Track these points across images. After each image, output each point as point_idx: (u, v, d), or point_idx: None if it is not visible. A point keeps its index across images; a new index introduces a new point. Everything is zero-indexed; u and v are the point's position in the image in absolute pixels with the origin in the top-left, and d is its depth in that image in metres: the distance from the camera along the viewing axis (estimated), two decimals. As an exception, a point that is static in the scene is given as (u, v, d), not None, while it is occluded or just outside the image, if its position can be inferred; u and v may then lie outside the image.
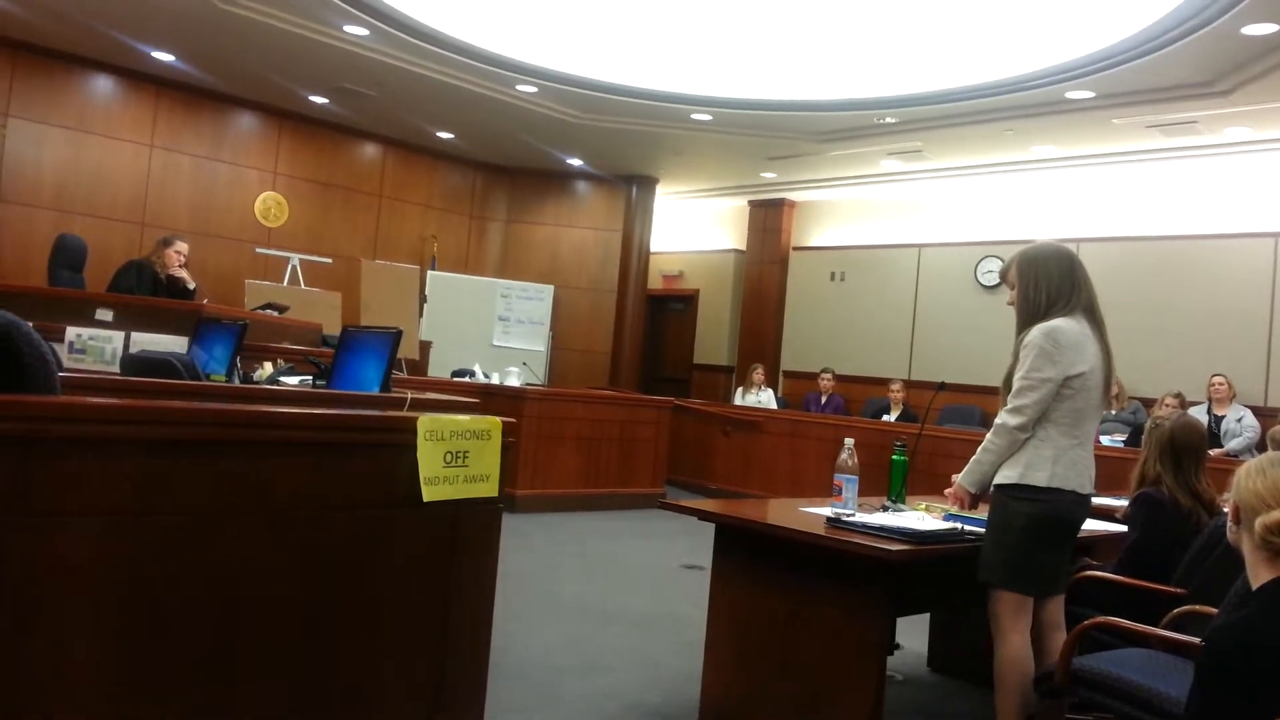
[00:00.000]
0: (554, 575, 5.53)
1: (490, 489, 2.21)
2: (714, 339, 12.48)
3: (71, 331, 4.51)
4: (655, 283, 12.57)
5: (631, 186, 11.76)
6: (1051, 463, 2.84)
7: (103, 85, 8.98)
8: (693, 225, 12.93)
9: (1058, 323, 2.89)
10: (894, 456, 3.56)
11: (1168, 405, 7.15)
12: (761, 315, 11.75)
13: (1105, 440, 7.14)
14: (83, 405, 1.75)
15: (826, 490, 3.38)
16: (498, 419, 2.24)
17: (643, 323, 12.04)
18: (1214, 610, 2.52)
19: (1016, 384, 2.89)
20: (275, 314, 6.53)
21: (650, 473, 8.51)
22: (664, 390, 10.83)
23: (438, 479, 2.09)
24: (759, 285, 11.81)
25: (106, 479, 1.69)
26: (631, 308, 11.76)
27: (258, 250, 9.55)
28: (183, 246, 6.42)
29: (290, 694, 1.95)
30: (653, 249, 12.05)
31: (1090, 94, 7.33)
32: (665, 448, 8.69)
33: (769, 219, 11.81)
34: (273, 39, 7.66)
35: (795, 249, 11.69)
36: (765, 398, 10.09)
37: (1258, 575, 1.87)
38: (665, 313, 13.08)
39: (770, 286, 11.69)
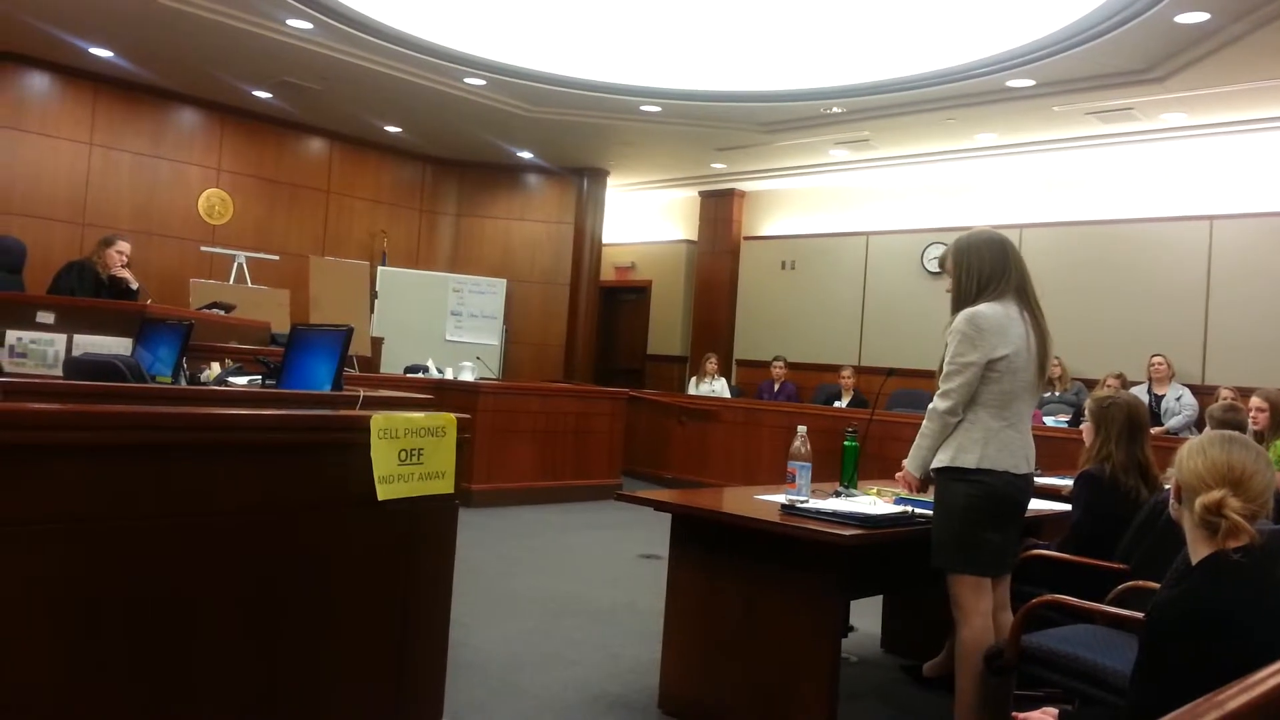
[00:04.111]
0: (512, 569, 5.52)
1: (446, 485, 2.22)
2: (667, 329, 12.52)
3: (12, 335, 4.41)
4: (608, 274, 12.56)
5: (582, 179, 11.73)
6: (981, 445, 2.90)
7: (38, 82, 8.75)
8: (644, 217, 12.94)
9: (980, 308, 2.96)
10: (845, 443, 3.61)
11: (1109, 385, 7.33)
12: (714, 305, 11.80)
13: (1049, 421, 7.30)
14: (26, 411, 1.72)
15: (781, 477, 3.42)
16: (452, 415, 2.24)
17: (596, 315, 12.03)
18: (1156, 585, 2.59)
19: (944, 369, 2.97)
20: (222, 313, 6.42)
21: (606, 464, 8.53)
22: (618, 381, 10.84)
23: (392, 477, 2.09)
24: (711, 275, 11.87)
25: (53, 486, 1.67)
26: (585, 300, 11.74)
27: (202, 249, 9.37)
28: (125, 246, 6.29)
29: (250, 694, 1.94)
30: (605, 241, 12.04)
31: (1030, 82, 7.46)
32: (621, 439, 8.71)
33: (719, 209, 11.86)
34: (214, 33, 7.52)
35: (746, 239, 11.75)
36: (719, 387, 10.14)
37: (1197, 551, 1.93)
38: (618, 304, 13.08)
39: (722, 276, 11.75)
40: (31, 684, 1.65)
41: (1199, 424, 7.11)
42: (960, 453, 2.91)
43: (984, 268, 3.01)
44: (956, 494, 2.90)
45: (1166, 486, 2.27)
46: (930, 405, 3.00)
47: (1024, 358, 2.96)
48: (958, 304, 3.05)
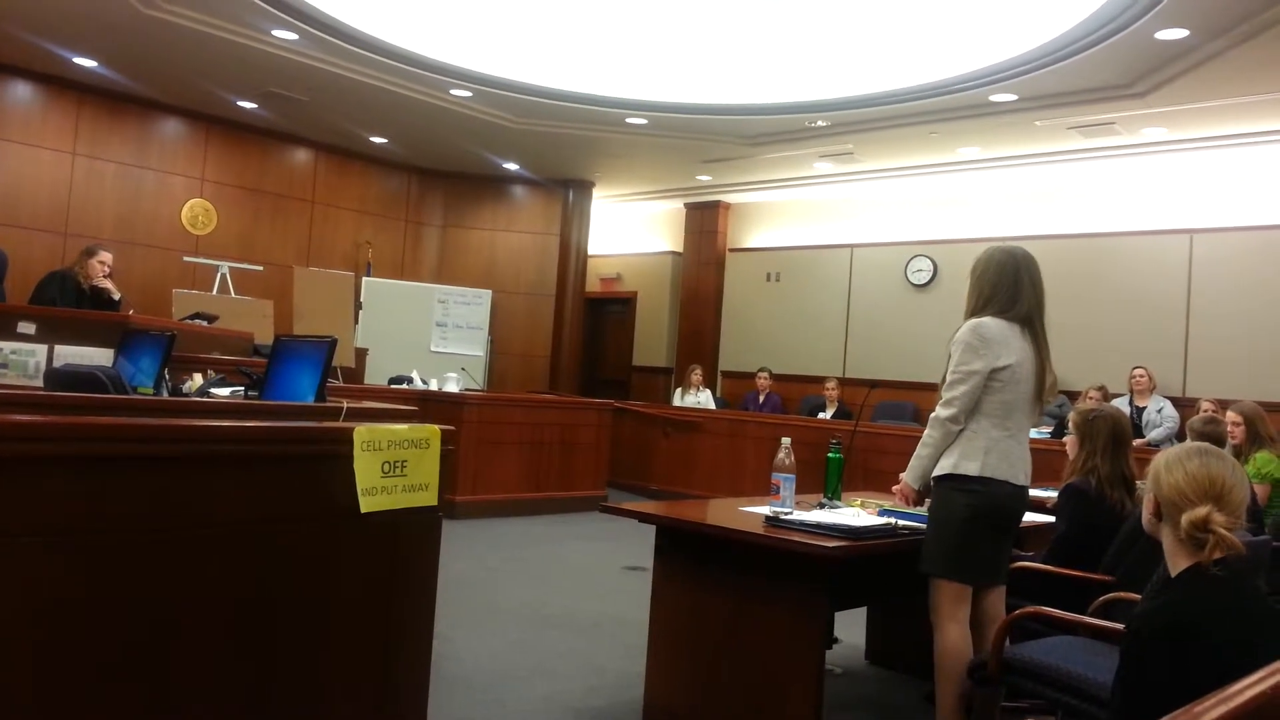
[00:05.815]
0: (496, 581, 5.50)
1: (430, 498, 2.21)
2: (652, 341, 12.53)
3: (-8, 345, 4.37)
4: (593, 286, 12.57)
5: (568, 190, 11.75)
6: (983, 453, 2.92)
7: (22, 92, 8.70)
8: (630, 228, 12.96)
9: (984, 319, 2.99)
10: (829, 455, 3.62)
11: (1091, 398, 7.37)
12: (699, 316, 11.82)
13: (1033, 433, 7.32)
14: (6, 423, 1.71)
15: (765, 489, 3.43)
16: (436, 427, 2.23)
17: (581, 326, 12.03)
18: (1138, 596, 2.60)
19: (947, 378, 2.99)
20: (205, 324, 6.38)
21: (592, 476, 8.52)
22: (604, 393, 10.84)
23: (375, 489, 2.08)
24: (696, 287, 11.89)
25: (33, 498, 1.66)
26: (570, 311, 11.75)
27: (185, 259, 9.33)
28: (107, 256, 6.27)
29: (232, 708, 1.93)
30: (590, 252, 12.06)
31: (1013, 97, 7.52)
32: (606, 450, 8.70)
33: (705, 221, 11.89)
34: (199, 44, 7.50)
35: (731, 250, 11.79)
36: (704, 398, 10.16)
37: (1176, 564, 1.93)
38: (604, 315, 13.09)
39: (707, 288, 11.77)
40: (12, 697, 1.64)
41: (1180, 436, 7.16)
42: (963, 460, 2.93)
43: (988, 285, 3.04)
44: (955, 503, 2.92)
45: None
46: (933, 414, 3.02)
47: (1026, 369, 2.99)
48: (965, 313, 3.09)
